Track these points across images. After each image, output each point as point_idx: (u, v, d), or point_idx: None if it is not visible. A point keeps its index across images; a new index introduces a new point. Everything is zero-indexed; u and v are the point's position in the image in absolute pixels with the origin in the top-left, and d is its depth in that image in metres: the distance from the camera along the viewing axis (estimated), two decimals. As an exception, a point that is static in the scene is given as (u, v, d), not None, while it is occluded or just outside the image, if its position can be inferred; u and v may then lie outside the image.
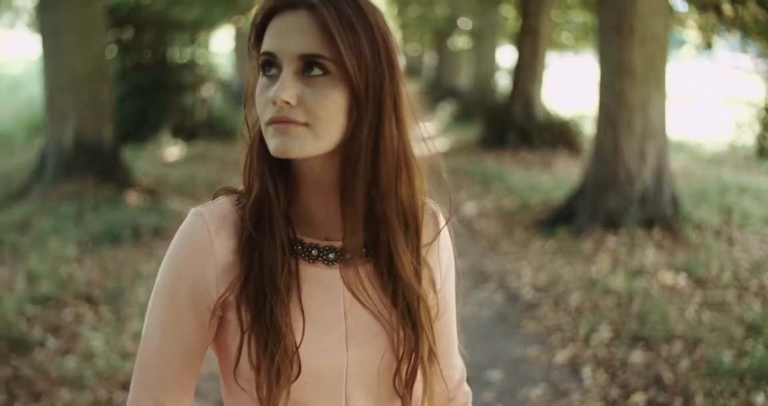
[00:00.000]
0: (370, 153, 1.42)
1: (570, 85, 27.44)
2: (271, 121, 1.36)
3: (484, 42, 21.44)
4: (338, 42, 1.35)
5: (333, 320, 1.49)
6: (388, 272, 1.51)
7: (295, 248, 1.48)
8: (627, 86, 8.48)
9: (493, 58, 21.25)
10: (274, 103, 1.34)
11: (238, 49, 21.81)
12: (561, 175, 12.44)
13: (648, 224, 8.31)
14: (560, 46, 22.55)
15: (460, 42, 26.45)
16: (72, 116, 9.29)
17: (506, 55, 23.35)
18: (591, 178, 8.83)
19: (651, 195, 8.50)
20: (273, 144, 1.37)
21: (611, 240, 8.03)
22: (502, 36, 21.74)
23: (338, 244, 1.49)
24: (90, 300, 6.08)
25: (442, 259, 1.64)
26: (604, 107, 8.74)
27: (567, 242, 8.16)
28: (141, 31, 15.05)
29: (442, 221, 1.63)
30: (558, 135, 15.43)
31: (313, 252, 1.49)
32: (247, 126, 1.49)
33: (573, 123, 16.16)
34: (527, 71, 15.79)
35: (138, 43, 15.12)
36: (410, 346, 1.51)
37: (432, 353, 1.54)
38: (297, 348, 1.43)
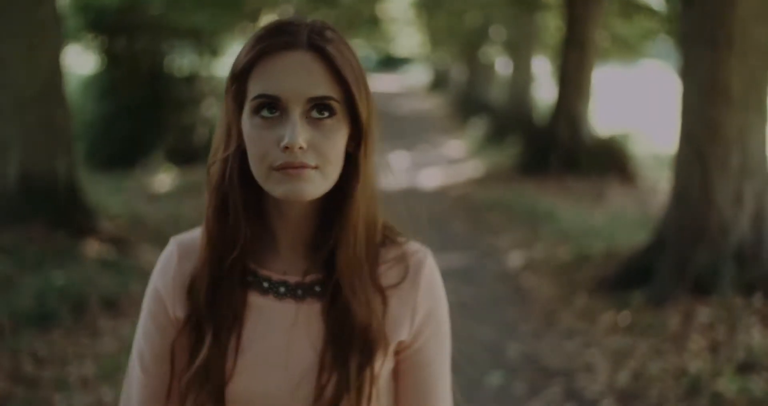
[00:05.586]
0: (351, 185, 1.40)
1: (613, 99, 25.39)
2: (285, 167, 1.32)
3: (519, 53, 19.64)
4: (349, 82, 1.35)
5: (272, 353, 1.44)
6: (341, 311, 1.42)
7: (248, 279, 1.45)
8: (722, 112, 6.58)
9: (529, 71, 19.40)
10: (287, 149, 1.31)
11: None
12: (616, 210, 10.71)
13: (747, 287, 6.38)
14: (604, 56, 20.61)
15: (493, 53, 24.51)
16: (16, 147, 7.26)
17: (543, 68, 21.59)
18: (672, 227, 6.89)
19: (748, 250, 6.59)
20: (282, 189, 1.34)
21: (703, 312, 6.10)
22: (539, 47, 19.85)
23: (293, 279, 1.46)
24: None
25: (418, 308, 1.48)
26: (690, 138, 6.83)
27: (646, 314, 6.25)
28: (133, 39, 13.22)
29: (426, 268, 1.50)
30: (607, 159, 13.53)
31: (264, 284, 1.46)
32: (223, 173, 1.42)
33: (622, 144, 14.31)
34: (572, 87, 13.88)
35: (130, 54, 13.27)
36: (337, 391, 1.41)
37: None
38: (225, 384, 1.42)
